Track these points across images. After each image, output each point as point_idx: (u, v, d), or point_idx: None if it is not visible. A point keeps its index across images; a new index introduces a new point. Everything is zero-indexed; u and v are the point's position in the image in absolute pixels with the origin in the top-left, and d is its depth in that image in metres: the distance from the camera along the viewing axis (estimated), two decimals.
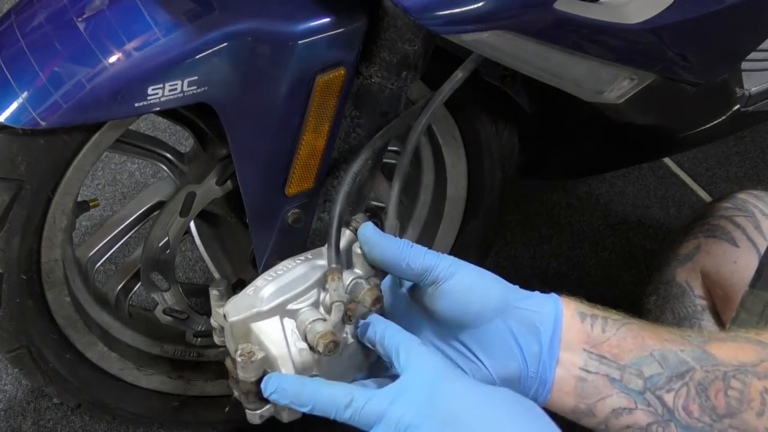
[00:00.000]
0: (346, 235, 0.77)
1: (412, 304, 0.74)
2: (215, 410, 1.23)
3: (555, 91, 0.95)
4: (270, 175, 0.91)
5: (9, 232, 0.89)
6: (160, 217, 1.02)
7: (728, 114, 1.15)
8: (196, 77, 0.80)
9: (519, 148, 1.17)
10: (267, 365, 0.73)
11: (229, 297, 0.75)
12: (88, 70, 0.78)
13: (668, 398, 0.68)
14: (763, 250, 1.11)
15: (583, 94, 0.93)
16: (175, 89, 0.79)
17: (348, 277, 0.74)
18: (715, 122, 1.15)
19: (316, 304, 0.74)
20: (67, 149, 0.87)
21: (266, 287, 0.73)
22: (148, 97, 0.79)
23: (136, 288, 1.14)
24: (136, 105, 0.79)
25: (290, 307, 0.73)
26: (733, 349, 0.70)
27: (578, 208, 1.66)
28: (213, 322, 0.78)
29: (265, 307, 0.72)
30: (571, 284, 1.53)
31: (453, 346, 0.71)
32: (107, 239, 1.10)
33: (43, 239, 0.94)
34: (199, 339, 1.16)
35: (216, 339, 0.79)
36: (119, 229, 1.10)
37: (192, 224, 1.15)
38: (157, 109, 0.80)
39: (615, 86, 0.92)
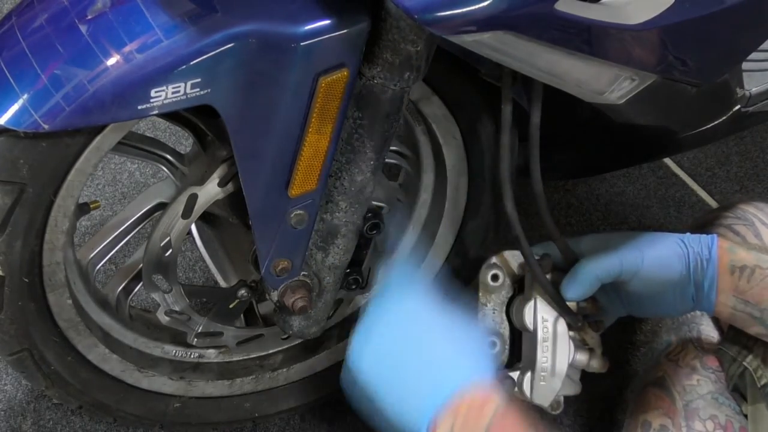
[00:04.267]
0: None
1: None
2: (216, 411, 1.23)
3: (555, 91, 0.95)
4: (273, 176, 0.91)
5: (11, 236, 0.89)
6: (161, 219, 1.02)
7: (729, 114, 1.15)
8: (199, 79, 0.79)
9: (519, 148, 1.17)
10: None
11: None
12: (91, 72, 0.78)
13: None
14: None
15: (584, 94, 0.93)
16: (178, 91, 0.79)
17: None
18: (715, 123, 1.15)
19: None
20: (69, 152, 0.87)
21: None
22: (151, 100, 0.79)
23: (136, 289, 1.14)
24: (139, 108, 0.79)
25: None
26: None
27: (578, 208, 1.66)
28: None
29: None
30: None
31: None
32: (108, 241, 1.10)
33: (45, 242, 0.93)
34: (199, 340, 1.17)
35: None
36: (120, 230, 1.10)
37: (193, 225, 1.15)
38: (160, 111, 0.80)
39: (615, 87, 0.92)
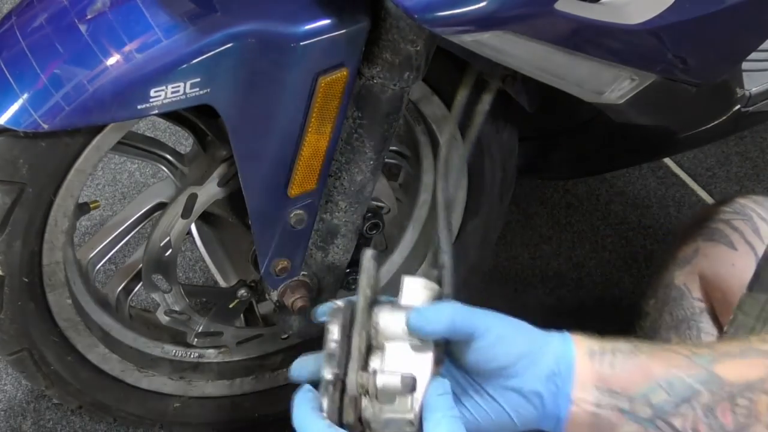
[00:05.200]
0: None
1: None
2: (216, 411, 1.23)
3: (555, 91, 0.95)
4: (272, 176, 0.91)
5: (10, 235, 0.89)
6: (161, 219, 1.02)
7: (729, 114, 1.15)
8: (198, 79, 0.79)
9: (519, 148, 1.17)
10: None
11: None
12: (90, 72, 0.78)
13: (677, 422, 0.72)
14: (760, 253, 1.11)
15: (584, 94, 0.93)
16: (178, 91, 0.79)
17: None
18: (715, 122, 1.15)
19: None
20: (68, 152, 0.87)
21: None
22: (151, 100, 0.79)
23: (136, 289, 1.14)
24: (139, 107, 0.79)
25: None
26: (741, 367, 0.73)
27: (578, 208, 1.66)
28: None
29: None
30: (571, 284, 1.53)
31: (478, 392, 0.75)
32: (108, 241, 1.10)
33: (45, 242, 0.93)
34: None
35: None
36: (120, 230, 1.10)
37: (192, 225, 1.15)
38: (160, 111, 0.80)
39: (615, 87, 0.92)
